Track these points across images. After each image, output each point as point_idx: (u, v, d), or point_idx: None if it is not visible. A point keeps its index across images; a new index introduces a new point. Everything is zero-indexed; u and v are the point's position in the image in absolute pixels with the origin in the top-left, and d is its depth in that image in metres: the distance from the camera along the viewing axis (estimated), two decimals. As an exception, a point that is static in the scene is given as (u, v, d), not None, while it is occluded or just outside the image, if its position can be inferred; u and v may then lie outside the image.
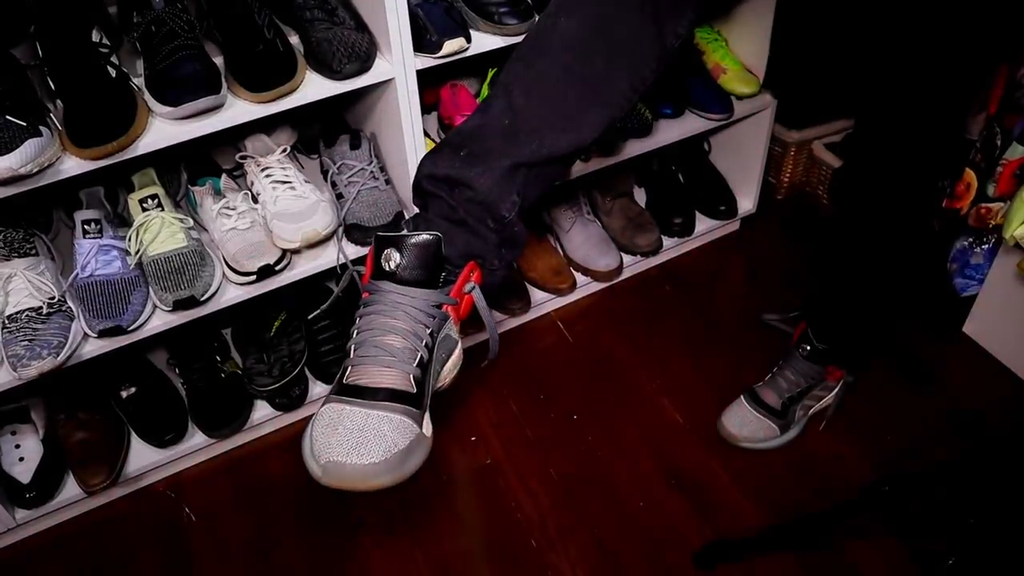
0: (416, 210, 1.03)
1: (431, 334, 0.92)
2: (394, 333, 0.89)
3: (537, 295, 1.77)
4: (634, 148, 1.65)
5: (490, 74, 1.67)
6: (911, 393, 1.63)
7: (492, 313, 1.00)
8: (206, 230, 1.44)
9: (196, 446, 1.51)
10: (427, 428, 0.90)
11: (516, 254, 1.02)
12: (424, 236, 0.91)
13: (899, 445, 1.53)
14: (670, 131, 1.71)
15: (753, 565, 1.34)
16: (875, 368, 1.64)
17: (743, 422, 1.53)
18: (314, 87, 1.27)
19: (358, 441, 0.83)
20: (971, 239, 1.66)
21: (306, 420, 1.61)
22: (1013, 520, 1.39)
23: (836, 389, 1.57)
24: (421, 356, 0.90)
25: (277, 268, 1.36)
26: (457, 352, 0.99)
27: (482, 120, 0.97)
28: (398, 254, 0.91)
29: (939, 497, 1.41)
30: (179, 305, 1.30)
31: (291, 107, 1.25)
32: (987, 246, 1.64)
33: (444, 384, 0.99)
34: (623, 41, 0.94)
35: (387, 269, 0.91)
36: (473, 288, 0.97)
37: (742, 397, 1.56)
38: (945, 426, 1.56)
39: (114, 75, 1.19)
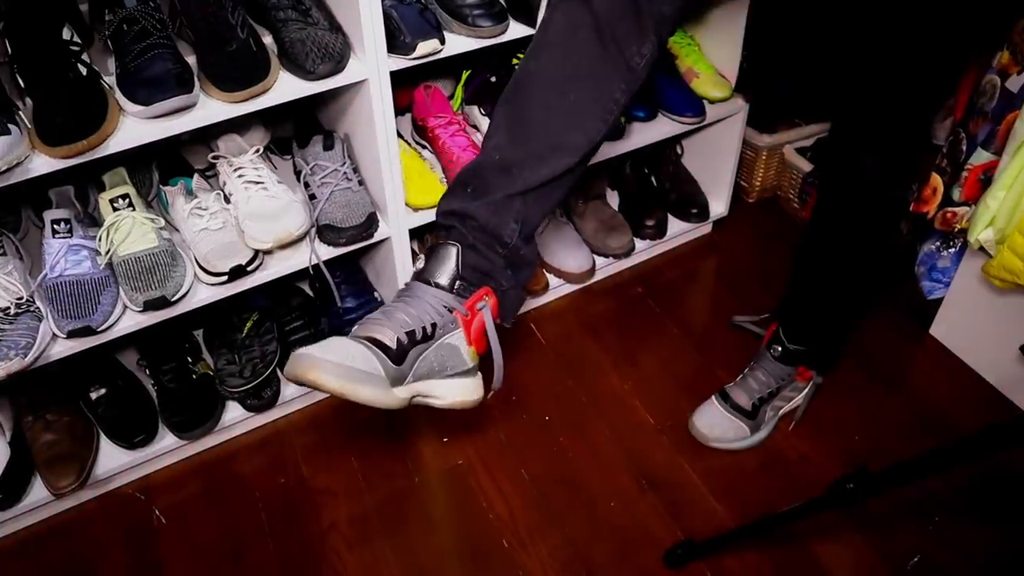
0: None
1: (433, 324, 1.03)
2: (403, 312, 1.02)
3: (510, 296, 1.77)
4: (606, 151, 1.66)
5: (464, 76, 1.68)
6: (879, 394, 1.65)
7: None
8: (177, 230, 1.43)
9: (167, 448, 1.50)
10: (399, 391, 1.00)
11: (525, 275, 1.13)
12: (443, 245, 1.06)
13: (867, 445, 1.55)
14: (643, 134, 1.72)
15: (722, 563, 1.35)
16: (843, 369, 1.67)
17: (714, 423, 1.54)
18: (287, 87, 1.27)
19: (328, 346, 0.96)
20: (938, 243, 1.69)
21: (278, 421, 1.61)
22: (978, 518, 1.42)
23: (805, 390, 1.59)
24: (414, 331, 1.01)
25: (249, 269, 1.36)
26: (469, 380, 1.07)
27: (480, 159, 1.09)
28: (423, 258, 1.08)
29: (905, 495, 1.44)
30: (150, 305, 1.29)
31: (264, 107, 1.25)
32: (954, 250, 1.67)
33: (444, 401, 1.06)
34: (589, 71, 1.03)
35: (415, 269, 1.08)
36: (484, 307, 1.06)
37: (713, 398, 1.57)
38: (913, 426, 1.58)
39: (85, 73, 1.18)
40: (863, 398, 1.64)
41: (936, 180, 1.49)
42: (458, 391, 1.06)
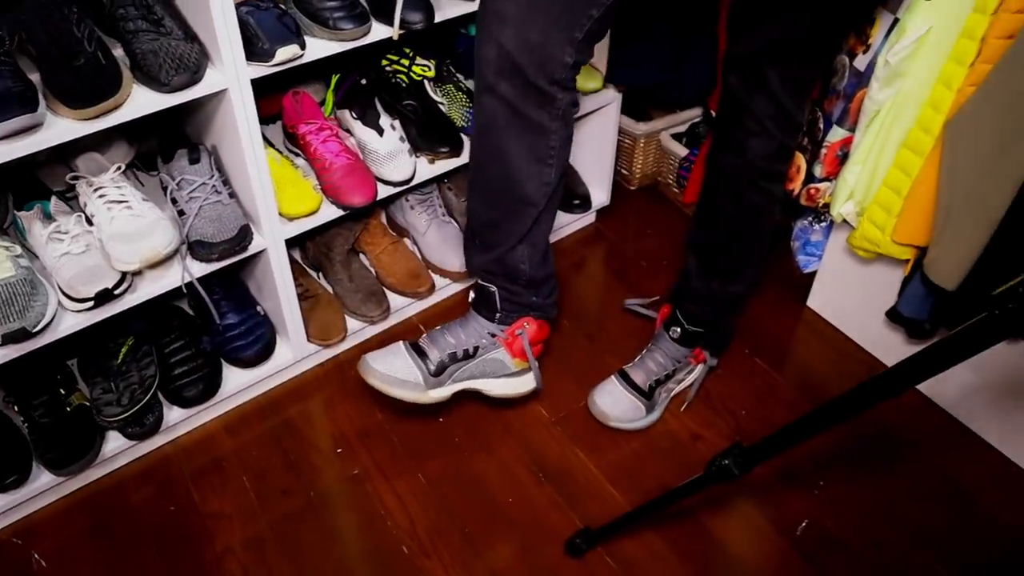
0: None
1: (475, 347, 1.40)
2: (452, 335, 1.40)
3: (397, 300, 1.75)
4: (483, 148, 1.66)
5: (334, 80, 1.65)
6: (763, 368, 1.70)
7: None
8: (37, 257, 1.36)
9: (43, 486, 1.42)
10: (434, 392, 1.39)
11: (547, 288, 1.42)
12: (484, 286, 1.39)
13: (755, 419, 1.60)
14: (519, 129, 1.72)
15: (621, 547, 1.38)
16: (729, 347, 1.71)
17: (615, 401, 1.57)
18: (142, 101, 1.22)
19: (380, 355, 1.40)
20: (810, 218, 1.75)
21: (164, 447, 1.55)
22: (859, 479, 1.49)
23: (696, 371, 1.62)
24: (455, 352, 1.39)
25: (116, 292, 1.30)
26: (516, 379, 1.45)
27: (471, 219, 1.37)
28: (473, 293, 1.42)
29: (790, 463, 1.49)
30: (9, 338, 1.22)
31: (117, 123, 1.20)
32: (824, 223, 1.73)
33: (493, 392, 1.45)
34: (518, 139, 1.21)
35: (471, 300, 1.44)
36: (522, 333, 1.40)
37: (614, 377, 1.60)
38: (796, 397, 1.64)
39: (-86, 97, 1.11)
40: (748, 373, 1.69)
41: (799, 158, 1.55)
42: (504, 385, 1.44)
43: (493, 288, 1.38)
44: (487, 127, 1.22)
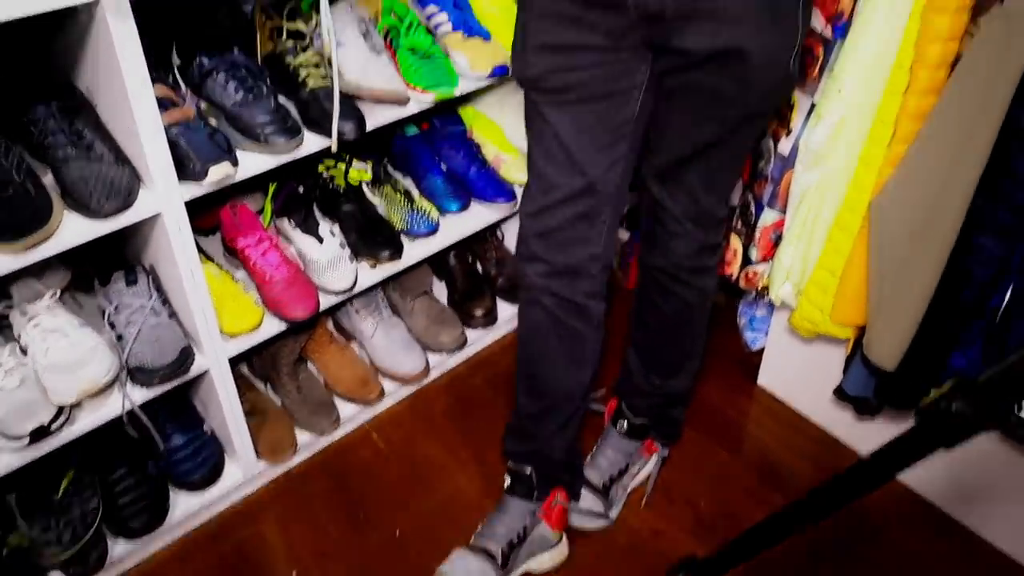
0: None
1: (524, 528, 1.47)
2: (503, 525, 1.47)
3: (347, 408, 1.72)
4: (423, 249, 1.67)
5: (271, 189, 1.65)
6: (718, 453, 1.69)
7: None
8: (-32, 392, 1.31)
9: (-20, 637, 1.35)
10: None
11: (573, 471, 1.55)
12: (521, 467, 1.49)
13: (714, 510, 1.58)
14: (460, 226, 1.74)
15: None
16: (682, 436, 1.70)
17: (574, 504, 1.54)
18: (74, 230, 1.20)
19: (454, 563, 1.42)
20: (755, 294, 1.76)
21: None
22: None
23: (650, 463, 1.61)
24: (512, 540, 1.45)
25: (53, 428, 1.26)
26: (556, 550, 1.49)
27: (518, 412, 1.49)
28: (508, 478, 1.52)
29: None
30: (-63, 484, 1.16)
31: (49, 255, 1.17)
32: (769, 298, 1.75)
33: (541, 569, 1.48)
34: (558, 343, 1.35)
35: (506, 485, 1.53)
36: (557, 503, 1.48)
37: None
38: (754, 481, 1.63)
39: None
40: (704, 460, 1.68)
41: (735, 241, 1.57)
42: (551, 559, 1.48)
43: (529, 470, 1.48)
44: (532, 332, 1.38)
